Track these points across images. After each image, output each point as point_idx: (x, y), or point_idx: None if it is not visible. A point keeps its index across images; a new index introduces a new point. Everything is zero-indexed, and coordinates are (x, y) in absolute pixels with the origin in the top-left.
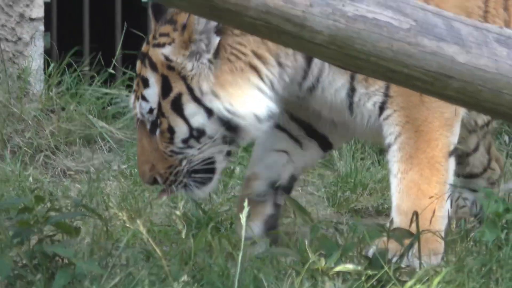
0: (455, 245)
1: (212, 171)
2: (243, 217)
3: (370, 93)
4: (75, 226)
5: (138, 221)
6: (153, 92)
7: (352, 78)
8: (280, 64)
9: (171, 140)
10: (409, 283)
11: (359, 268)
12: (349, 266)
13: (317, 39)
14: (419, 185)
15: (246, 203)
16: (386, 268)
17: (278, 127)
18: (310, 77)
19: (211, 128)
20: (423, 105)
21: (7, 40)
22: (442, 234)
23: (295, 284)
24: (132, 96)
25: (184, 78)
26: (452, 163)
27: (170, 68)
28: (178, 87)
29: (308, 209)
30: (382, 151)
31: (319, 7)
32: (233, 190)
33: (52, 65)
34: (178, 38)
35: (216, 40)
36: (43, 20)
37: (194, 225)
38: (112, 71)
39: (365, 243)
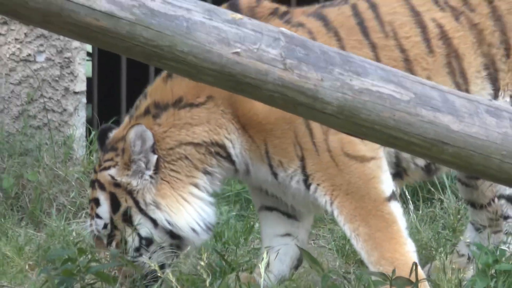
0: None
1: (156, 279)
2: (262, 266)
3: (290, 175)
4: (113, 275)
5: (167, 270)
6: (104, 209)
7: (271, 166)
8: (209, 173)
9: (125, 250)
10: None
11: None
12: None
13: (328, 109)
14: (373, 235)
15: (265, 255)
16: None
17: (270, 208)
18: (240, 172)
19: (158, 236)
20: (342, 172)
21: (53, 111)
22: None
23: None
24: (88, 219)
25: (130, 193)
26: (394, 205)
27: (117, 185)
28: (126, 201)
29: (319, 260)
30: None
31: (329, 81)
32: (253, 243)
33: (93, 133)
34: (120, 160)
35: (153, 158)
36: (85, 94)
37: (217, 274)
38: None
39: None
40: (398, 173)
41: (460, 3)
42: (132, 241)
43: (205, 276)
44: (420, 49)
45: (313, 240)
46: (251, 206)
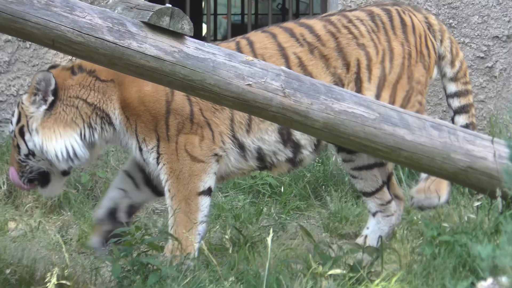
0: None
1: (47, 179)
2: (269, 240)
3: (149, 150)
4: (160, 245)
5: (202, 242)
6: (13, 120)
7: (138, 141)
8: (91, 127)
9: (19, 153)
10: (377, 281)
11: (344, 271)
12: (338, 270)
13: (316, 125)
14: (179, 214)
15: (271, 231)
16: (361, 271)
17: (127, 173)
18: (117, 138)
19: (38, 152)
20: (179, 162)
21: None
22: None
23: (302, 282)
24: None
25: (26, 116)
26: (202, 200)
27: (22, 107)
28: (23, 120)
29: (311, 233)
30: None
31: (317, 105)
32: (262, 222)
33: None
34: (29, 90)
35: (50, 98)
36: None
37: (237, 244)
38: None
39: (348, 256)
40: (266, 166)
41: (315, 40)
42: (23, 148)
43: (228, 246)
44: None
45: (306, 220)
46: (260, 195)
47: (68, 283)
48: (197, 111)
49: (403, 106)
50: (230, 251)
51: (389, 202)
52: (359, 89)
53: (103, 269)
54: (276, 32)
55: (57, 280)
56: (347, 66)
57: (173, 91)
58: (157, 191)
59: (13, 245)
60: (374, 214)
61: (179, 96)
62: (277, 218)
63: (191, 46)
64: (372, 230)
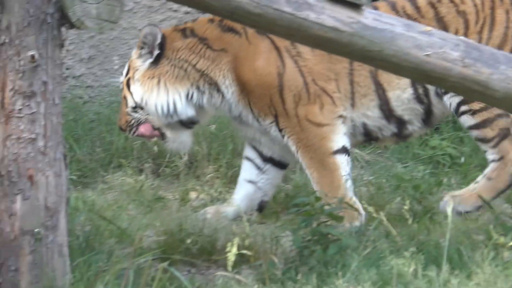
0: None
1: (163, 133)
2: (449, 208)
3: (268, 125)
4: (340, 215)
5: (381, 213)
6: (123, 72)
7: (253, 113)
8: (199, 90)
9: (126, 106)
10: None
11: None
12: None
13: (496, 95)
14: (321, 179)
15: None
16: None
17: (248, 158)
18: (227, 107)
19: (142, 104)
20: (304, 131)
21: None
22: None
23: (484, 253)
24: None
25: (133, 68)
26: (340, 158)
27: (131, 61)
28: (130, 73)
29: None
30: None
31: (497, 75)
32: (441, 193)
33: None
34: (137, 44)
35: (156, 52)
36: None
37: (417, 215)
38: None
39: None
40: (372, 139)
41: (414, 12)
42: (130, 100)
43: (407, 216)
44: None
45: None
46: (440, 166)
47: (248, 253)
48: (310, 82)
49: None
50: (410, 222)
51: None
52: None
53: (283, 239)
54: (378, 5)
55: (238, 249)
56: None
57: (284, 64)
58: (281, 164)
59: (194, 215)
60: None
61: (290, 69)
62: (458, 189)
63: (369, 17)
64: None
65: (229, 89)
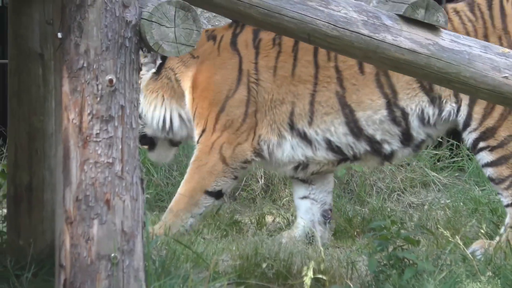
0: None
1: (153, 143)
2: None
3: (195, 135)
4: (416, 239)
5: (457, 236)
6: None
7: (194, 121)
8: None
9: None
10: None
11: None
12: None
13: None
14: (180, 198)
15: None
16: None
17: (291, 177)
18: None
19: (142, 115)
20: (209, 154)
21: None
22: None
23: None
24: None
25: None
26: (206, 199)
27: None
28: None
29: None
30: None
31: None
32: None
33: None
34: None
35: (158, 61)
36: None
37: (493, 239)
38: None
39: None
40: (349, 158)
41: None
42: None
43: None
44: (352, 70)
45: None
46: None
47: (324, 277)
48: (251, 113)
49: (504, 118)
50: (487, 245)
51: None
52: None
53: (359, 263)
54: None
55: (313, 274)
56: None
57: (236, 90)
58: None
59: (270, 239)
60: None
61: (239, 96)
62: None
63: (446, 38)
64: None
65: (187, 97)
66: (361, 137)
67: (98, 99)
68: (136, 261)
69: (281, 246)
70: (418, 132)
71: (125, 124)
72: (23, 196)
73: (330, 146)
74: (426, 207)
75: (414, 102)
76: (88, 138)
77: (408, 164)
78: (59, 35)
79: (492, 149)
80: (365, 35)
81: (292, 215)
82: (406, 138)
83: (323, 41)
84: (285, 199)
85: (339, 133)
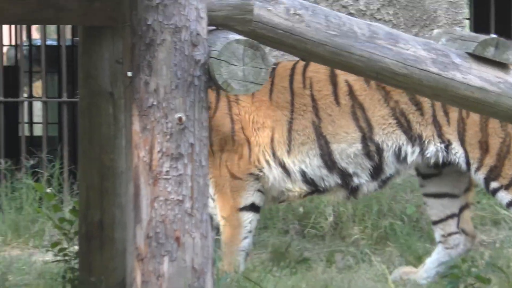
0: None
1: None
2: None
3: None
4: (488, 278)
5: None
6: None
7: None
8: None
9: None
10: None
11: None
12: None
13: None
14: (224, 228)
15: None
16: None
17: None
18: None
19: None
20: (221, 177)
21: None
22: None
23: None
24: None
25: None
26: (245, 215)
27: None
28: None
29: None
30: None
31: None
32: None
33: None
34: None
35: None
36: None
37: None
38: None
39: None
40: (319, 190)
41: None
42: None
43: None
44: (328, 100)
45: None
46: None
47: None
48: (238, 129)
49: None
50: None
51: (450, 234)
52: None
53: None
54: None
55: None
56: (418, 105)
57: (217, 108)
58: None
59: (340, 277)
60: (438, 243)
61: (221, 113)
62: None
63: None
64: (431, 260)
65: None
66: (334, 170)
67: (168, 137)
68: None
69: (351, 284)
70: (390, 167)
71: (194, 161)
72: (94, 234)
73: (305, 178)
74: (497, 245)
75: (391, 139)
76: (158, 175)
77: (478, 202)
78: (129, 74)
79: (506, 187)
80: (434, 73)
81: (361, 253)
82: (376, 172)
83: (391, 80)
84: (354, 237)
85: (314, 165)
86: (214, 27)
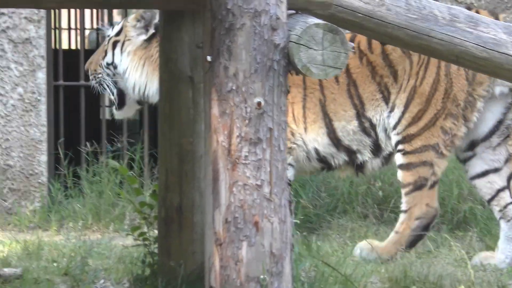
0: None
1: (123, 101)
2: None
3: None
4: None
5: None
6: (114, 29)
7: None
8: None
9: (103, 59)
10: None
11: None
12: None
13: None
14: None
15: None
16: None
17: None
18: None
19: (119, 70)
20: None
21: None
22: None
23: None
24: None
25: (125, 35)
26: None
27: (126, 25)
28: (121, 36)
29: None
30: None
31: None
32: None
33: None
34: (135, 15)
35: (151, 31)
36: None
37: None
38: None
39: None
40: (330, 167)
41: (366, 47)
42: (109, 57)
43: None
44: (330, 80)
45: None
46: None
47: None
48: None
49: (426, 129)
50: None
51: (506, 206)
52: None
53: (510, 287)
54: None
55: None
56: (395, 74)
57: None
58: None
59: (419, 262)
60: (499, 221)
61: None
62: None
63: None
64: (500, 240)
65: None
66: (340, 147)
67: (247, 121)
68: (284, 283)
69: (430, 269)
70: (386, 144)
71: (273, 146)
72: (173, 218)
73: (319, 155)
74: None
75: (378, 112)
76: (237, 160)
77: None
78: (209, 58)
79: (405, 153)
80: None
81: (441, 237)
82: (377, 148)
83: (472, 63)
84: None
85: (324, 144)
86: (293, 11)
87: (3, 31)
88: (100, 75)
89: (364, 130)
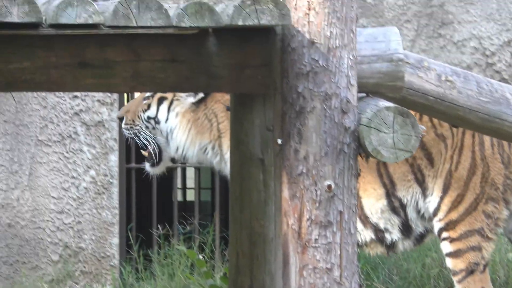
0: None
1: (161, 158)
2: None
3: None
4: None
5: None
6: None
7: None
8: (213, 148)
9: (144, 111)
10: None
11: None
12: None
13: None
14: None
15: None
16: None
17: None
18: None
19: (162, 127)
20: None
21: None
22: None
23: None
24: None
25: (174, 94)
26: None
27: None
28: (169, 94)
29: None
30: None
31: None
32: None
33: None
34: None
35: (200, 95)
36: None
37: None
38: None
39: None
40: (358, 244)
41: None
42: (152, 111)
43: None
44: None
45: None
46: None
47: None
48: None
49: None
50: None
51: None
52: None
53: None
54: None
55: None
56: (430, 158)
57: None
58: None
59: None
60: None
61: None
62: None
63: None
64: None
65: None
66: (367, 224)
67: (317, 204)
68: None
69: None
70: (416, 224)
71: (343, 229)
72: None
73: None
74: None
75: (409, 193)
76: (307, 243)
77: None
78: (279, 141)
79: (452, 240)
80: None
81: None
82: (406, 228)
83: None
84: None
85: None
86: (364, 94)
87: (76, 114)
88: (138, 127)
89: (394, 209)
